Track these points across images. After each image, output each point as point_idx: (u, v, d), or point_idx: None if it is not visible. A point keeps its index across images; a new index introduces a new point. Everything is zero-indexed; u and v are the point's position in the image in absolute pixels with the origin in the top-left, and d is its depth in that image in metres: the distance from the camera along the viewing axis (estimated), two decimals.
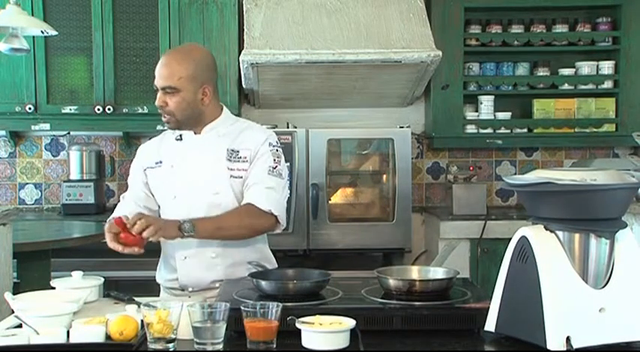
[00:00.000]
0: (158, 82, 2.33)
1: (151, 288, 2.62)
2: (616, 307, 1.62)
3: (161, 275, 2.50)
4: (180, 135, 2.43)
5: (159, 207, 2.46)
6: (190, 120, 2.37)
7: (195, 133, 2.42)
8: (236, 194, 2.36)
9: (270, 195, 2.33)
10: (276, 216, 2.33)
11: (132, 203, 2.44)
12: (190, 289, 2.35)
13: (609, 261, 1.64)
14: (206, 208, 2.34)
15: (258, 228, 2.35)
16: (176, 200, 2.38)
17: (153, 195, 2.46)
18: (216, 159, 2.37)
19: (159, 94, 2.33)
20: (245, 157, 2.37)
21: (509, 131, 4.42)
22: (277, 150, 2.42)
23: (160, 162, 2.44)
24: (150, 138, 2.58)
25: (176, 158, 2.41)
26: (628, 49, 4.36)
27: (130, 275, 3.90)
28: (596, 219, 1.62)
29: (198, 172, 2.37)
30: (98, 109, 4.19)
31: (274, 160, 2.39)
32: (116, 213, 2.39)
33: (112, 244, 2.18)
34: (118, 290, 2.28)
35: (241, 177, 2.37)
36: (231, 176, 2.36)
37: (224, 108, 2.47)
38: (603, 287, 1.63)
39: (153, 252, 2.51)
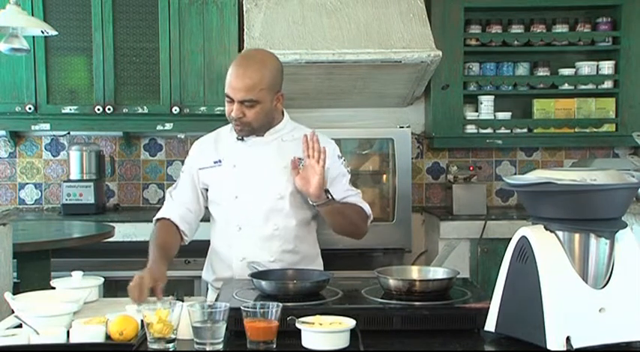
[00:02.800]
0: (236, 95, 2.28)
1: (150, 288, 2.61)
2: (616, 307, 1.62)
3: (208, 274, 2.49)
4: (243, 136, 2.42)
5: (206, 207, 2.46)
6: (264, 127, 2.38)
7: (257, 135, 2.41)
8: (297, 201, 2.37)
9: (365, 204, 2.46)
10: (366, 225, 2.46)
11: (177, 204, 2.43)
12: None
13: (609, 261, 1.64)
14: (267, 212, 2.37)
15: (360, 228, 2.46)
16: (237, 200, 2.38)
17: (204, 195, 2.45)
18: (285, 165, 2.37)
19: (236, 105, 2.29)
20: None
21: (509, 131, 4.42)
22: (344, 161, 2.50)
23: (219, 161, 2.42)
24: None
25: (239, 158, 2.40)
26: (628, 49, 4.36)
27: (130, 276, 3.89)
28: (596, 219, 1.62)
29: (264, 175, 2.37)
30: (98, 109, 4.18)
31: (348, 171, 2.49)
32: (162, 214, 2.41)
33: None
34: (118, 290, 2.28)
35: None
36: None
37: (284, 111, 2.48)
38: (603, 287, 1.63)
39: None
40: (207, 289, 2.52)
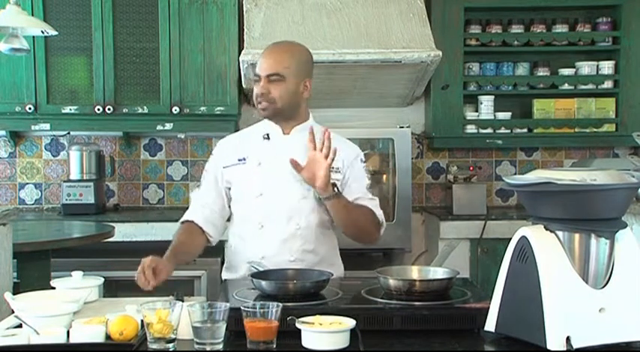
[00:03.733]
0: (263, 70, 2.34)
1: None
2: (616, 307, 1.62)
3: (227, 272, 2.48)
4: (268, 134, 2.43)
5: (229, 207, 2.46)
6: (288, 110, 2.38)
7: (283, 133, 2.42)
8: (319, 202, 2.37)
9: (379, 210, 2.45)
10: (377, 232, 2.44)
11: (201, 205, 2.43)
12: None
13: (609, 261, 1.64)
14: (290, 210, 2.37)
15: (371, 236, 2.45)
16: (261, 197, 2.38)
17: (228, 195, 2.44)
18: None
19: (262, 82, 2.33)
20: (338, 168, 2.40)
21: (509, 131, 4.42)
22: (365, 167, 2.52)
23: (244, 159, 2.42)
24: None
25: (264, 156, 2.41)
26: (628, 49, 4.36)
27: (130, 276, 3.89)
28: (596, 219, 1.62)
29: (288, 174, 2.36)
30: (98, 109, 4.18)
31: (368, 178, 2.50)
32: (187, 216, 2.41)
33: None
34: (118, 290, 2.29)
35: (335, 186, 2.38)
36: None
37: (310, 113, 2.49)
38: (603, 287, 1.63)
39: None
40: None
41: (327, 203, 2.33)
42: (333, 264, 2.46)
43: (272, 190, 2.38)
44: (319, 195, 2.32)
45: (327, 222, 2.42)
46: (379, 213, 2.45)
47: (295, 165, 2.31)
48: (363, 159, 2.52)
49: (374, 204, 2.45)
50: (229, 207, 2.47)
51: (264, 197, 2.38)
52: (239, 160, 2.43)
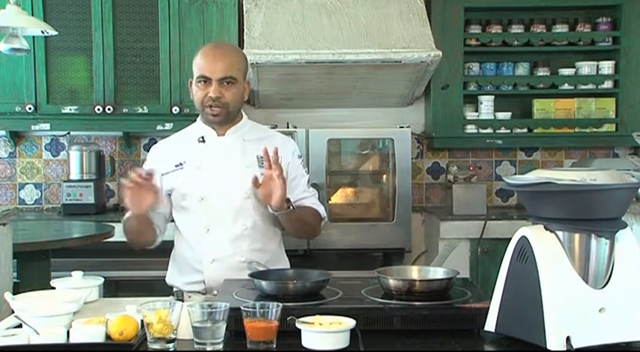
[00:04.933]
0: (216, 73, 2.30)
1: (150, 288, 2.62)
2: (616, 307, 1.62)
3: (177, 279, 2.45)
4: (203, 137, 2.42)
5: (170, 212, 2.45)
6: (234, 114, 2.39)
7: (218, 134, 2.41)
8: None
9: (320, 206, 2.51)
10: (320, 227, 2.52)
11: None
12: (215, 292, 2.33)
13: (609, 261, 1.64)
14: (235, 212, 2.37)
15: (316, 231, 2.51)
16: (203, 202, 2.37)
17: (169, 199, 2.43)
18: (248, 165, 2.38)
19: (214, 86, 2.30)
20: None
21: (509, 131, 4.42)
22: (302, 161, 2.53)
23: (181, 164, 2.41)
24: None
25: (202, 160, 2.40)
26: (628, 49, 4.36)
27: (130, 275, 3.91)
28: (596, 219, 1.62)
29: (229, 176, 2.37)
30: (98, 109, 4.19)
31: (306, 172, 2.52)
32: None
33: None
34: (118, 290, 2.28)
35: None
36: None
37: (242, 110, 2.48)
38: (603, 287, 1.63)
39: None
40: (174, 294, 2.46)
41: (281, 216, 2.34)
42: (280, 259, 2.49)
43: (214, 193, 2.37)
44: (274, 210, 2.31)
45: (272, 219, 2.41)
46: (321, 209, 2.50)
47: (255, 182, 2.28)
48: (300, 154, 2.53)
49: (315, 201, 2.50)
50: (170, 212, 2.45)
51: (205, 201, 2.37)
52: (176, 166, 2.41)
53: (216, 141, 2.41)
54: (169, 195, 2.43)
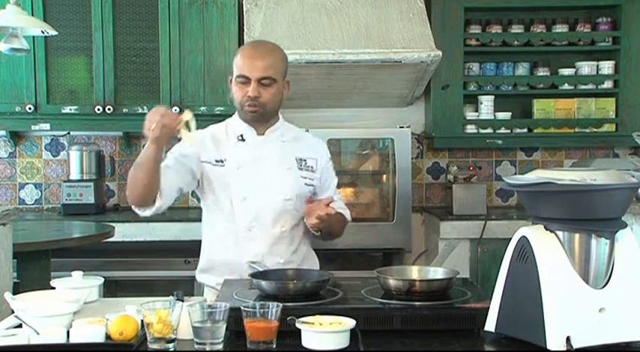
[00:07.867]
0: (254, 73, 2.30)
1: (150, 288, 2.62)
2: (616, 307, 1.62)
3: (211, 280, 2.41)
4: (242, 136, 2.41)
5: (181, 188, 2.38)
6: (272, 113, 2.40)
7: (257, 134, 2.41)
8: (300, 204, 2.40)
9: (346, 209, 2.56)
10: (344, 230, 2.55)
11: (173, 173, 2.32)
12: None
13: (609, 261, 1.64)
14: (276, 213, 2.39)
15: (340, 236, 2.55)
16: (246, 202, 2.37)
17: (195, 179, 2.38)
18: (289, 166, 2.40)
19: (253, 85, 2.30)
20: (312, 167, 2.45)
21: (509, 131, 4.42)
22: (332, 165, 2.57)
23: (222, 161, 2.38)
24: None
25: (242, 159, 2.39)
26: (628, 49, 4.36)
27: (130, 276, 3.90)
28: (596, 219, 1.62)
29: (270, 177, 2.38)
30: (98, 109, 4.19)
31: (334, 175, 2.56)
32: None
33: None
34: (118, 290, 2.28)
35: (313, 186, 2.44)
36: (305, 184, 2.42)
37: (280, 114, 2.49)
38: (603, 287, 1.63)
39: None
40: (203, 291, 2.49)
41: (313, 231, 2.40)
42: (313, 260, 2.53)
43: (254, 195, 2.37)
44: (309, 226, 2.37)
45: (303, 221, 2.43)
46: (347, 214, 2.55)
47: (308, 200, 2.37)
48: (330, 155, 2.57)
49: (342, 203, 2.55)
50: (182, 188, 2.38)
51: (247, 201, 2.37)
52: (217, 161, 2.39)
53: (256, 141, 2.41)
54: (200, 179, 2.40)
